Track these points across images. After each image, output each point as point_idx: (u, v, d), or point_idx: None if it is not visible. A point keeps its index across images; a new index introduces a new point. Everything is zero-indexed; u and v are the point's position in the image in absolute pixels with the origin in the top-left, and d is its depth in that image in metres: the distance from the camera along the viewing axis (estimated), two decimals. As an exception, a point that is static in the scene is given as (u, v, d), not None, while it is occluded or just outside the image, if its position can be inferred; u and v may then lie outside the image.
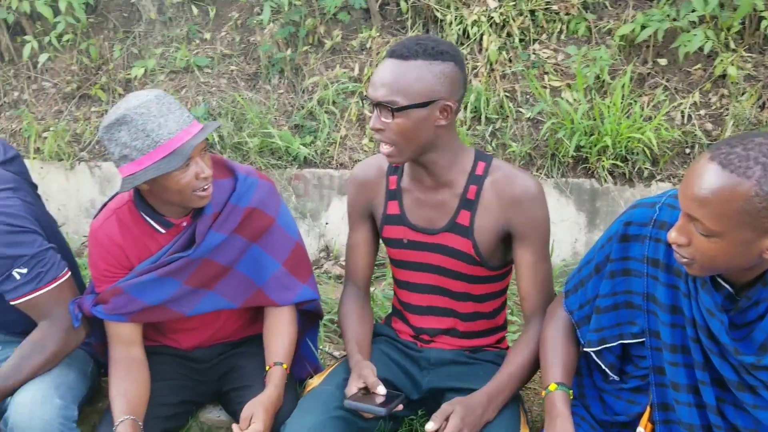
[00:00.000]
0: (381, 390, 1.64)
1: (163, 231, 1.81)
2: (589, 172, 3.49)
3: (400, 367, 1.88)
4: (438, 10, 4.04)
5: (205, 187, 1.72)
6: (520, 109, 3.75)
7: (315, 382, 1.84)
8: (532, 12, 3.99)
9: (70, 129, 4.29)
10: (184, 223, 1.82)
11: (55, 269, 1.81)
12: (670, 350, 1.43)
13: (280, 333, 1.89)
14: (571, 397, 1.56)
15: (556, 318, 1.69)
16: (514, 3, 3.98)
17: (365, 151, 3.87)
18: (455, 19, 4.00)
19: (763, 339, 1.31)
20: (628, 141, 3.36)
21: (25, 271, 1.75)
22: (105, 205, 1.89)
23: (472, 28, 3.97)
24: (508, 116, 3.72)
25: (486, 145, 3.68)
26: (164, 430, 1.78)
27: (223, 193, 1.83)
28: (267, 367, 1.83)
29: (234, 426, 1.67)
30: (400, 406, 1.67)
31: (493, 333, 1.94)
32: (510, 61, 3.92)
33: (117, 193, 1.86)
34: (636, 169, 3.42)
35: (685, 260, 1.29)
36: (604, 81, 3.67)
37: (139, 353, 1.84)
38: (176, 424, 1.90)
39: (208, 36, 4.44)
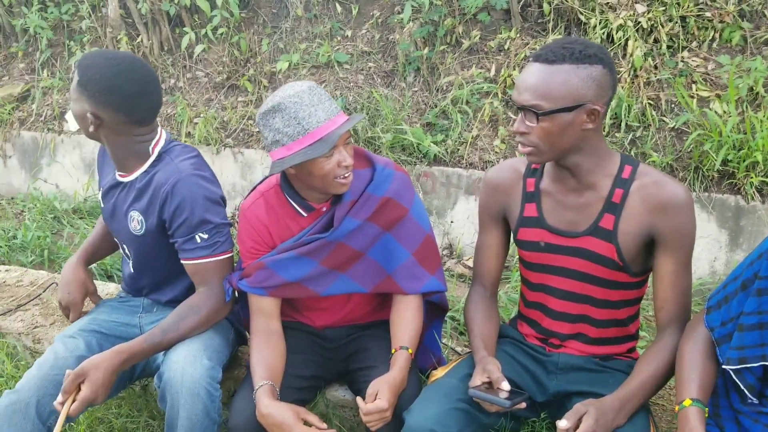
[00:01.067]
0: (505, 386, 1.65)
1: (305, 214, 1.92)
2: (735, 189, 3.30)
3: (526, 370, 1.87)
4: (582, 13, 3.96)
5: (346, 175, 1.80)
6: (664, 119, 3.60)
7: (439, 373, 1.87)
8: (683, 18, 3.82)
9: (218, 116, 4.59)
10: (324, 209, 1.91)
11: (227, 243, 1.98)
12: (820, 376, 1.34)
13: (406, 320, 1.94)
14: (706, 416, 1.50)
15: (696, 334, 1.63)
16: (664, 8, 3.83)
17: (496, 152, 3.86)
18: (600, 22, 3.90)
19: None
20: (782, 158, 3.15)
21: (206, 236, 1.92)
22: (255, 187, 2.02)
23: (617, 32, 3.86)
24: (650, 125, 3.59)
25: (625, 152, 3.56)
26: (296, 400, 1.87)
27: (361, 182, 1.91)
28: (392, 350, 1.89)
29: (359, 400, 1.74)
30: (523, 404, 1.67)
31: (624, 341, 1.89)
32: (656, 68, 3.77)
33: (266, 177, 1.99)
34: (788, 189, 3.20)
35: None
36: (758, 93, 3.46)
37: (277, 326, 1.96)
38: (306, 396, 1.99)
39: (349, 33, 4.59)
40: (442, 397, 1.70)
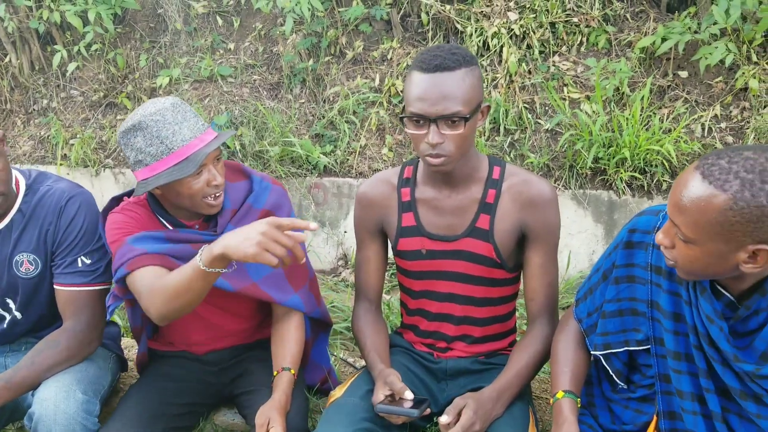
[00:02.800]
0: (408, 395, 1.65)
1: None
2: (607, 184, 3.49)
3: (419, 379, 1.88)
4: (459, 22, 4.08)
5: (216, 194, 1.75)
6: (539, 121, 3.76)
7: (337, 393, 1.83)
8: (552, 24, 4.01)
9: (96, 136, 4.39)
10: (196, 226, 1.86)
11: (107, 275, 1.87)
12: (674, 358, 1.43)
13: (287, 338, 1.91)
14: (579, 405, 1.57)
15: (568, 327, 1.70)
16: (534, 15, 4.00)
17: (384, 160, 3.91)
18: (475, 31, 4.03)
19: (764, 348, 1.31)
20: (647, 153, 3.35)
21: (88, 261, 1.83)
22: (119, 198, 1.91)
23: (492, 39, 4.00)
24: (526, 127, 3.74)
25: (504, 155, 3.69)
26: (171, 428, 1.81)
27: (240, 193, 1.87)
28: (275, 372, 1.86)
29: None
30: (428, 410, 1.69)
31: (505, 336, 1.95)
32: (529, 72, 3.93)
33: (132, 194, 1.91)
34: (655, 181, 3.41)
35: (670, 262, 1.32)
36: (623, 93, 3.68)
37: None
38: (184, 423, 1.90)
39: (232, 46, 4.53)
40: (344, 418, 1.67)
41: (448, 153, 1.65)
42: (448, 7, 4.11)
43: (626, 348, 1.56)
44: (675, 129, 3.46)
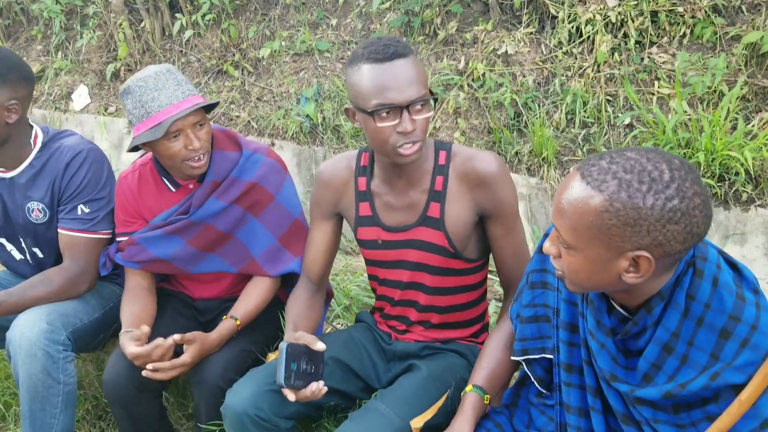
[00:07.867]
0: (320, 345, 1.67)
1: (173, 190, 2.03)
2: (680, 189, 3.22)
3: (369, 357, 1.91)
4: (552, 6, 3.92)
5: (196, 157, 1.89)
6: (619, 115, 3.54)
7: (273, 356, 1.92)
8: (655, 13, 3.72)
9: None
10: (191, 186, 2.01)
11: (105, 223, 2.08)
12: (566, 369, 1.35)
13: (250, 295, 2.05)
14: (487, 403, 1.53)
15: (504, 324, 1.66)
16: (636, 3, 3.74)
17: (458, 140, 3.87)
18: (568, 16, 3.85)
19: (646, 369, 1.21)
20: (725, 159, 3.05)
21: (87, 210, 2.04)
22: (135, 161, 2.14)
23: (585, 26, 3.80)
24: (604, 121, 3.54)
25: (576, 149, 3.53)
26: None
27: (227, 164, 2.00)
28: (224, 317, 2.00)
29: (162, 340, 1.83)
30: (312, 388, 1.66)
31: (468, 326, 1.91)
32: (620, 63, 3.70)
33: (141, 154, 2.11)
34: (733, 191, 3.10)
35: (558, 273, 1.24)
36: (718, 92, 3.35)
37: (149, 285, 2.09)
38: None
39: (334, 22, 4.66)
40: (261, 378, 1.73)
41: (421, 138, 1.63)
42: (542, -10, 3.95)
43: (543, 355, 1.49)
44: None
